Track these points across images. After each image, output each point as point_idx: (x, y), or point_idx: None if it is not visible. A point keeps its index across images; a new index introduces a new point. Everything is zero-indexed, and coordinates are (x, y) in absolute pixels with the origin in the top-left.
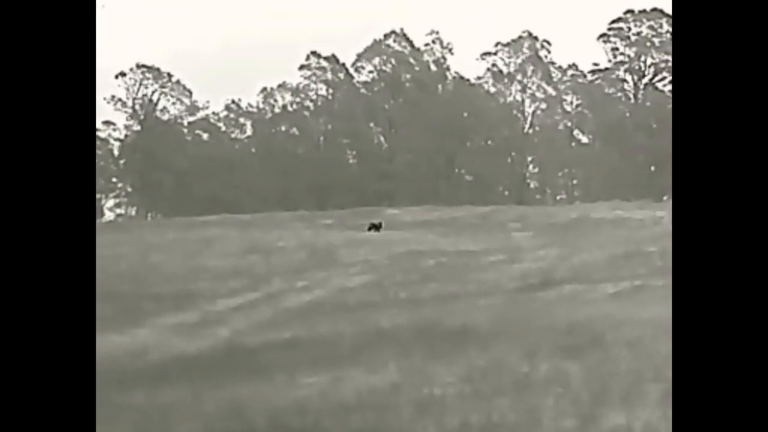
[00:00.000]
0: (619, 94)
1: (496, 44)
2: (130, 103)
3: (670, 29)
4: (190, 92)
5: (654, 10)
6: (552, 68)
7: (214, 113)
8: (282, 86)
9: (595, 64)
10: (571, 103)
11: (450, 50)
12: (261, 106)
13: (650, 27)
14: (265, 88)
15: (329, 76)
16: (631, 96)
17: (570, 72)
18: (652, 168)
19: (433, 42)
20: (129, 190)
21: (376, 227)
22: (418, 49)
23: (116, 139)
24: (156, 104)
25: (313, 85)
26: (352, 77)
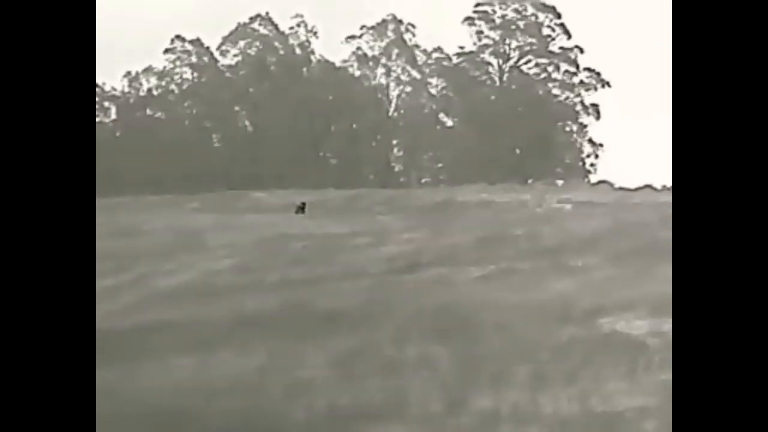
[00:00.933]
0: (485, 77)
1: (361, 27)
2: None
3: (535, 12)
4: None
5: None
6: (417, 51)
7: None
8: (147, 70)
9: (461, 47)
10: (437, 86)
11: (315, 34)
12: (126, 89)
13: (515, 10)
14: (129, 72)
15: (194, 59)
16: (497, 79)
17: (435, 55)
18: (517, 151)
19: (298, 26)
20: None
21: (301, 209)
22: (283, 33)
23: None
24: None
25: (178, 69)
26: (217, 61)
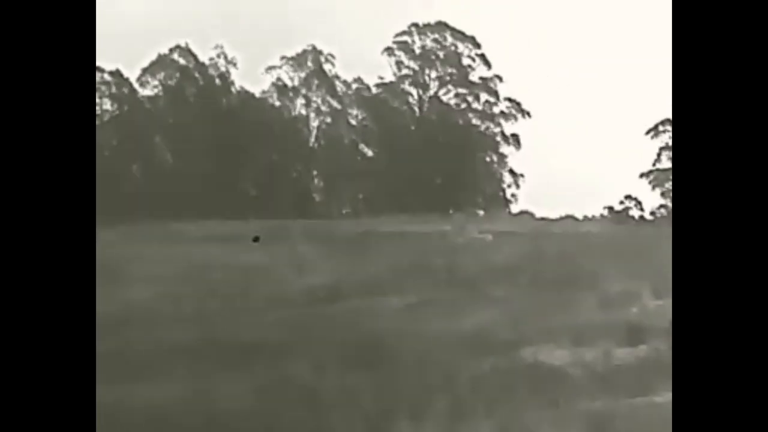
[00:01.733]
0: (404, 107)
1: (281, 58)
2: None
3: (455, 42)
4: None
5: (439, 23)
6: (337, 82)
7: None
8: None
9: (380, 78)
10: (357, 116)
11: (234, 64)
12: None
13: (434, 40)
14: None
15: (114, 90)
16: (416, 109)
17: (355, 85)
18: (438, 181)
19: (218, 56)
20: None
21: (256, 239)
22: (203, 64)
23: None
24: None
25: (98, 100)
26: (136, 92)
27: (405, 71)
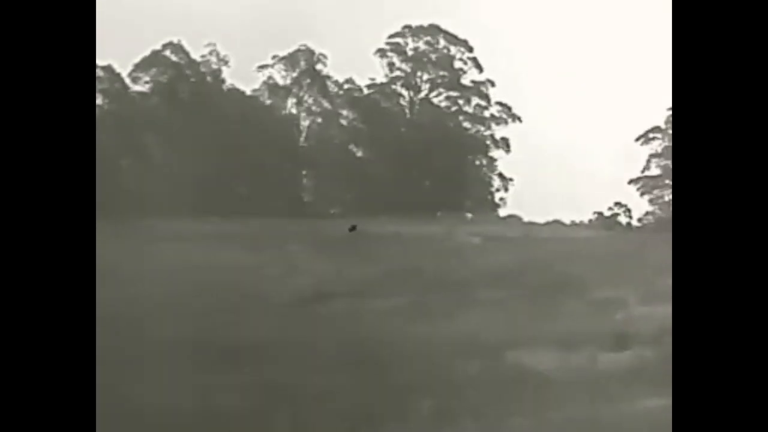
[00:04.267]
0: (395, 109)
1: (273, 57)
2: None
3: (447, 45)
4: None
5: (431, 26)
6: (329, 82)
7: None
8: None
9: (372, 79)
10: (347, 117)
11: (226, 63)
12: None
13: (427, 43)
14: None
15: (105, 86)
16: (407, 111)
17: (346, 86)
18: (427, 183)
19: (210, 54)
20: None
21: (353, 228)
22: (195, 61)
23: None
24: None
25: None
26: (128, 88)
27: (397, 73)
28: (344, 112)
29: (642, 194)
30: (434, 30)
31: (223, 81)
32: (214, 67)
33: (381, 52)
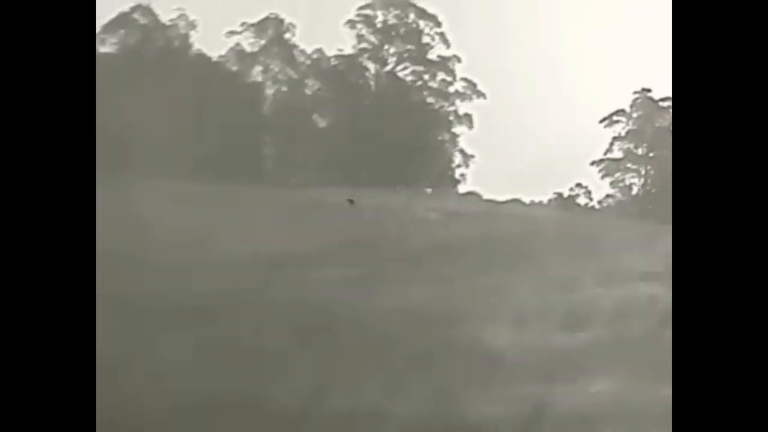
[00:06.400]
0: (361, 81)
1: (242, 24)
2: None
3: (416, 20)
4: None
5: None
6: (296, 51)
7: None
8: None
9: (339, 50)
10: (313, 87)
11: (195, 27)
12: None
13: (396, 16)
14: None
15: None
16: (372, 84)
17: (314, 56)
18: (388, 156)
19: (179, 18)
20: None
21: (351, 201)
22: (164, 25)
23: None
24: None
25: None
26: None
27: (364, 44)
28: (309, 83)
29: (603, 177)
30: (404, 3)
31: (190, 46)
32: (182, 31)
33: (350, 23)
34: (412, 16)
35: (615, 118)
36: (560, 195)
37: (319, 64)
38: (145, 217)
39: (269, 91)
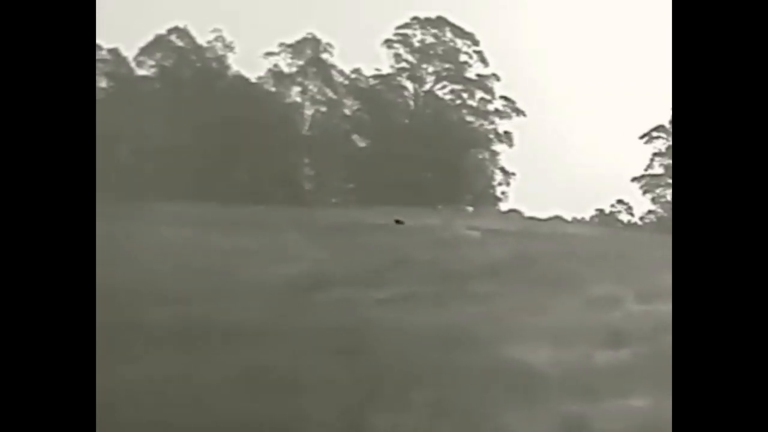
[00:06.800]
0: (399, 100)
1: (280, 45)
2: None
3: (453, 38)
4: None
5: (439, 18)
6: (334, 72)
7: None
8: None
9: (377, 70)
10: (351, 107)
11: (232, 49)
12: None
13: (434, 35)
14: None
15: (111, 69)
16: (411, 103)
17: (352, 76)
18: (428, 176)
19: (216, 40)
20: None
21: (399, 221)
22: (201, 46)
23: None
24: None
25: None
26: (133, 71)
27: (402, 64)
28: (348, 102)
29: (644, 193)
30: (441, 22)
31: (228, 67)
32: (220, 53)
33: (388, 43)
34: (449, 34)
35: (654, 134)
36: (602, 211)
37: (357, 84)
38: (181, 241)
39: (308, 112)
